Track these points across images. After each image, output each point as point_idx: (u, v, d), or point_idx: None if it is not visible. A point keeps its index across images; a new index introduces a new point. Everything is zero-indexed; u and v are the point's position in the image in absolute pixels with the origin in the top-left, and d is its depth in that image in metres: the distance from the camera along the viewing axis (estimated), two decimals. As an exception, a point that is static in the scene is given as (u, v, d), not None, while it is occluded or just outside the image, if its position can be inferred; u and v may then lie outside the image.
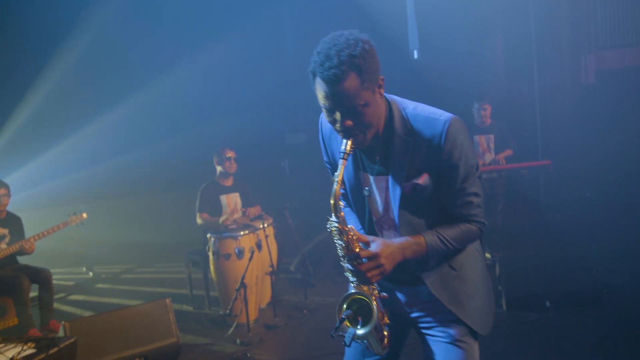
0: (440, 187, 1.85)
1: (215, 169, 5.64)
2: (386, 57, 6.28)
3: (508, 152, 6.16)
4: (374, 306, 1.83)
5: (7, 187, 5.30)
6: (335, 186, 1.76)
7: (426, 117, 1.81)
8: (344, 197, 2.11)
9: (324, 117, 1.98)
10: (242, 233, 4.98)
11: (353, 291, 1.88)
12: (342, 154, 1.76)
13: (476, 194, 1.89)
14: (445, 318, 1.96)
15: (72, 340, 3.66)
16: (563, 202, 7.14)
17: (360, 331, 1.82)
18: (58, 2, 7.11)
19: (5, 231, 5.26)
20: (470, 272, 1.99)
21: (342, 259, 1.84)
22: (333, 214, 1.80)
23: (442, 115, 1.81)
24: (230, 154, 5.52)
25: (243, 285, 4.63)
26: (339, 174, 1.76)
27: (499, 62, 8.03)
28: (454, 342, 1.95)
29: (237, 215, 5.51)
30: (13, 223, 5.36)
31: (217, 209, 5.48)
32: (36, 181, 7.43)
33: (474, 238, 1.96)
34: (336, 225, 1.80)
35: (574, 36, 7.47)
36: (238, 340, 4.57)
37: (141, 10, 7.47)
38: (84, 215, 5.56)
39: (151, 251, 8.02)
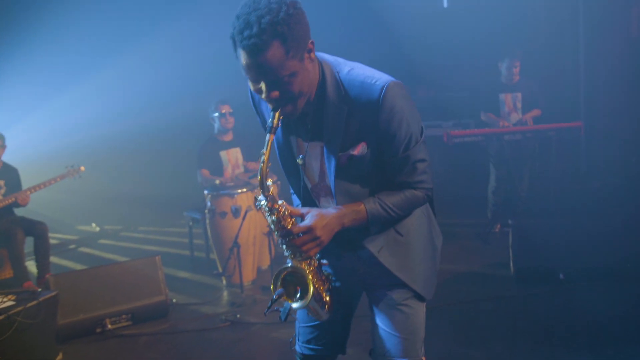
0: (382, 156, 1.83)
1: (213, 126, 5.68)
2: (413, 5, 6.15)
3: (536, 112, 5.98)
4: (310, 282, 1.86)
5: (1, 137, 5.47)
6: (262, 164, 1.74)
7: (362, 82, 1.77)
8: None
9: None
10: (239, 191, 5.06)
11: (288, 266, 1.90)
12: (269, 127, 1.72)
13: (421, 160, 1.87)
14: (390, 281, 1.98)
15: (52, 294, 3.82)
16: (605, 168, 6.97)
17: (295, 305, 1.86)
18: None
19: (2, 182, 5.45)
20: (417, 237, 2.01)
21: (276, 234, 1.84)
22: (261, 193, 1.80)
23: (380, 79, 1.76)
24: (224, 109, 5.51)
25: (237, 245, 4.72)
26: (264, 151, 1.73)
27: (539, 11, 7.76)
28: (397, 306, 1.98)
29: (239, 171, 5.56)
30: (9, 174, 5.54)
31: (217, 166, 5.54)
32: (36, 134, 7.64)
33: (419, 204, 1.95)
34: (265, 202, 1.80)
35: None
36: (230, 301, 4.69)
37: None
38: (82, 168, 5.70)
39: (155, 208, 8.25)
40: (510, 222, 5.51)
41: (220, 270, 5.06)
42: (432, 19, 7.58)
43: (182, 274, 5.65)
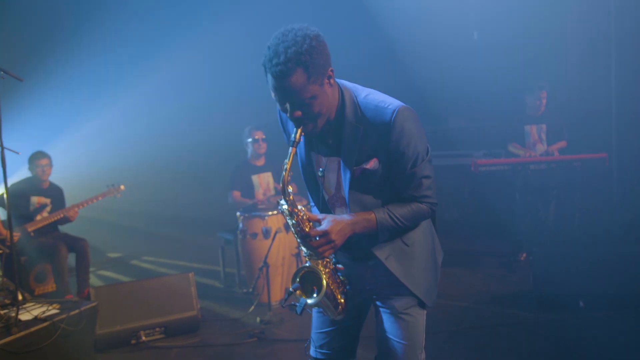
0: (391, 171, 2.09)
1: (246, 151, 6.02)
2: (445, 38, 6.38)
3: (562, 144, 6.14)
4: (324, 279, 2.11)
5: (49, 157, 5.87)
6: (284, 173, 2.02)
7: (376, 106, 2.04)
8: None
9: None
10: (270, 213, 5.34)
11: (306, 265, 2.16)
12: (291, 142, 2.01)
13: (427, 177, 2.12)
14: (394, 291, 2.22)
15: (93, 304, 4.14)
16: (638, 199, 7.03)
17: (310, 301, 2.11)
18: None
19: (48, 201, 5.85)
20: (421, 249, 2.25)
21: (296, 236, 2.11)
22: (283, 197, 2.07)
23: (392, 104, 2.03)
24: (258, 135, 5.86)
25: (266, 264, 4.99)
26: (288, 161, 2.01)
27: (570, 45, 7.91)
28: (399, 314, 2.22)
29: (271, 194, 5.87)
30: (55, 193, 5.94)
31: (248, 189, 5.87)
32: (73, 154, 8.05)
33: (425, 217, 2.20)
34: (286, 207, 2.07)
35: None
36: (258, 319, 4.94)
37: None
38: (122, 187, 6.06)
39: (189, 226, 8.66)
40: (534, 250, 5.66)
41: (250, 289, 5.32)
42: (464, 50, 7.84)
43: (213, 291, 5.96)
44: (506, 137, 6.33)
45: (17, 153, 4.30)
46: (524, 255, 6.17)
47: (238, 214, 5.53)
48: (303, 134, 2.02)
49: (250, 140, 5.90)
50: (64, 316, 3.85)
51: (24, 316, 3.80)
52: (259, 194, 5.90)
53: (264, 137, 5.92)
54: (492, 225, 7.19)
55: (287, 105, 1.97)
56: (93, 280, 6.63)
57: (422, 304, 2.25)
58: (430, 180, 2.14)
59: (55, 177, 6.02)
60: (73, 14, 7.88)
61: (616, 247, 5.25)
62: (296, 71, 1.88)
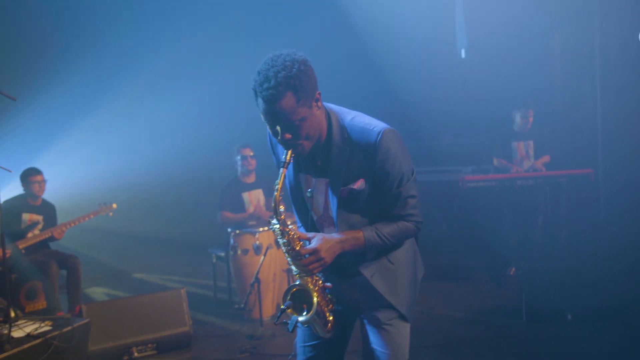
0: (377, 191, 2.17)
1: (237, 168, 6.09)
2: (432, 56, 6.53)
3: (545, 159, 6.28)
4: (314, 297, 2.18)
5: (42, 173, 5.91)
6: (275, 192, 2.10)
7: (362, 128, 2.12)
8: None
9: None
10: (261, 229, 5.39)
11: (296, 283, 2.22)
12: (282, 163, 2.09)
13: (412, 196, 2.20)
14: (378, 304, 2.30)
15: (85, 321, 4.16)
16: (624, 214, 7.14)
17: (301, 318, 2.17)
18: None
19: (40, 218, 5.87)
20: (404, 267, 2.33)
21: (286, 255, 2.18)
22: (274, 217, 2.14)
23: (377, 126, 2.12)
24: (246, 152, 5.95)
25: (257, 280, 5.03)
26: (279, 182, 2.09)
27: (555, 62, 8.07)
28: (383, 325, 2.30)
29: (262, 211, 5.92)
30: (47, 210, 5.97)
31: (239, 207, 5.93)
32: (69, 170, 8.08)
33: (410, 234, 2.27)
34: (277, 226, 2.14)
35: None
36: (250, 334, 4.97)
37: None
38: (114, 205, 6.10)
39: (182, 242, 8.71)
40: (523, 264, 5.75)
41: (242, 304, 5.36)
42: (452, 68, 7.98)
43: (206, 307, 5.99)
44: (493, 153, 6.45)
45: (10, 171, 4.33)
46: (513, 269, 6.24)
47: (229, 230, 5.58)
48: (293, 155, 2.09)
49: (239, 157, 5.98)
50: (56, 333, 3.86)
51: (17, 333, 3.81)
52: (249, 211, 5.95)
53: (252, 154, 5.99)
54: (481, 240, 7.27)
55: (278, 129, 2.04)
56: (88, 295, 6.65)
57: (404, 317, 2.32)
58: (416, 200, 2.22)
59: (46, 194, 6.04)
60: (63, 31, 7.95)
61: (603, 261, 5.36)
62: (286, 95, 1.96)
